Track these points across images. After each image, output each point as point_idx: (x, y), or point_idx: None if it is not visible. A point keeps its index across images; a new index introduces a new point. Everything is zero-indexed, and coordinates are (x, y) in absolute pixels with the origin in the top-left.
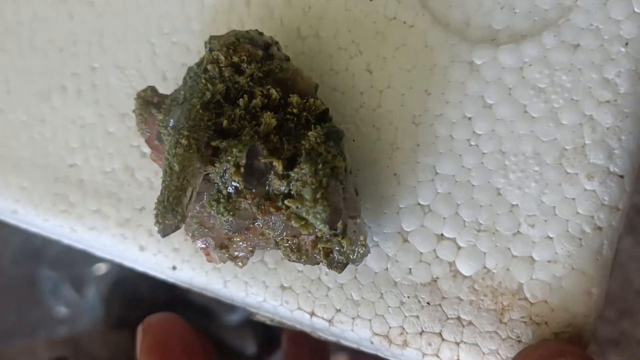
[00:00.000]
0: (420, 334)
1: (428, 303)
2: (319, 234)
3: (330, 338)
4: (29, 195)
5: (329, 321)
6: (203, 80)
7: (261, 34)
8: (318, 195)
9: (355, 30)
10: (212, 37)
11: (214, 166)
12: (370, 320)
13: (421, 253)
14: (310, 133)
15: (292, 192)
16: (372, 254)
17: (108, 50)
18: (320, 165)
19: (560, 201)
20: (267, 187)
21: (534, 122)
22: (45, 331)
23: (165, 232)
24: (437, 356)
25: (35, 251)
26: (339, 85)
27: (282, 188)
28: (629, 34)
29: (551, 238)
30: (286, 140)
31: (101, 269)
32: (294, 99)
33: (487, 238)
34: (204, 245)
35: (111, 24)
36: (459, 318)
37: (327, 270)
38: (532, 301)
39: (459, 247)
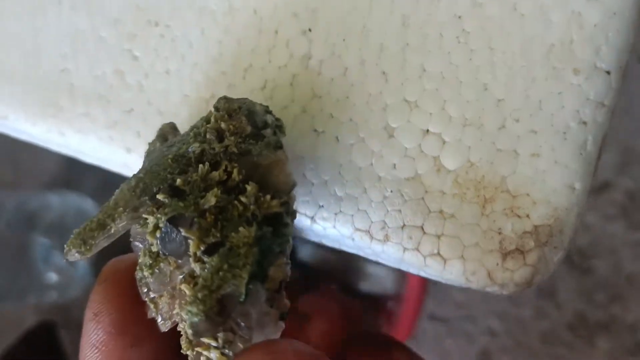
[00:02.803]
0: (402, 227)
1: (411, 197)
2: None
3: (312, 238)
4: (19, 100)
5: (312, 218)
6: (192, 134)
7: (269, 112)
8: (200, 295)
9: None
10: (221, 98)
11: (147, 218)
12: (352, 215)
13: (406, 148)
14: (242, 230)
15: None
16: (357, 150)
17: None
18: (226, 267)
19: (546, 96)
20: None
21: (523, 19)
22: (34, 296)
23: (67, 258)
24: (418, 250)
25: (29, 217)
26: None
27: (197, 271)
28: None
29: (535, 132)
30: (222, 226)
31: None
32: (250, 188)
33: (472, 132)
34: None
35: None
36: (441, 211)
37: (311, 165)
38: (514, 194)
39: (444, 142)
